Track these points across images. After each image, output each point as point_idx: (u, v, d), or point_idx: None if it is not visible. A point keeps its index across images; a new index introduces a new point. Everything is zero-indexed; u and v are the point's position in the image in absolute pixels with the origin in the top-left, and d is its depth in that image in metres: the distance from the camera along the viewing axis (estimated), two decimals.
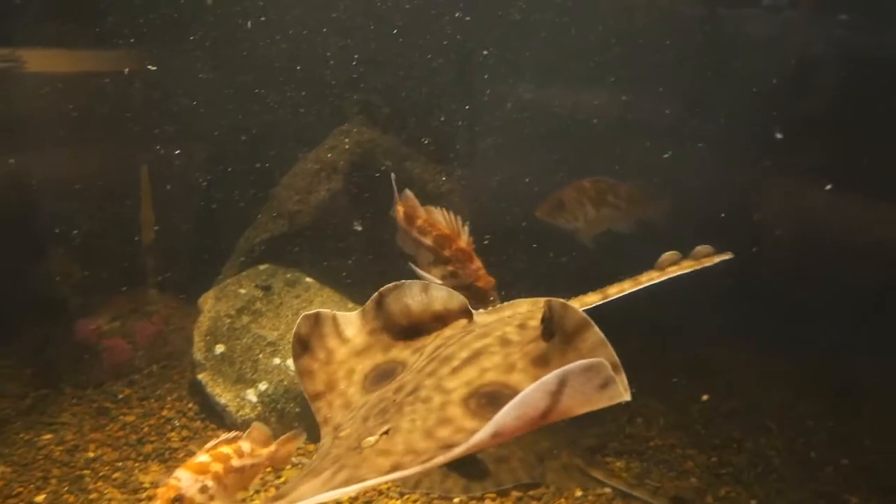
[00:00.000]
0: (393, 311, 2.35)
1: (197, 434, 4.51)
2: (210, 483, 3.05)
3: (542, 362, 1.86)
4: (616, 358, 1.68)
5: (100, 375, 5.08)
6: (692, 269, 2.53)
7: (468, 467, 4.12)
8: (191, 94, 5.78)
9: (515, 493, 4.09)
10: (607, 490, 4.22)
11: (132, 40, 5.55)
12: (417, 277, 3.76)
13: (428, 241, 3.69)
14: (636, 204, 5.57)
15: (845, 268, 5.44)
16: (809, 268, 5.55)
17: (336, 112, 5.97)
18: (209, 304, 5.08)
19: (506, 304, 2.42)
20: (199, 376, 4.68)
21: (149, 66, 5.56)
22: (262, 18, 5.66)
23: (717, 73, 5.96)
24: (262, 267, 5.51)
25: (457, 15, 5.79)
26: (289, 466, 3.74)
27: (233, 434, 3.24)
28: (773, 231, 5.98)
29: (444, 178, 6.11)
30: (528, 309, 2.27)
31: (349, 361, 2.26)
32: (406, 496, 4.00)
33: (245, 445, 3.09)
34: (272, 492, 3.74)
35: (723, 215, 5.48)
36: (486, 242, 3.85)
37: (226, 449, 3.20)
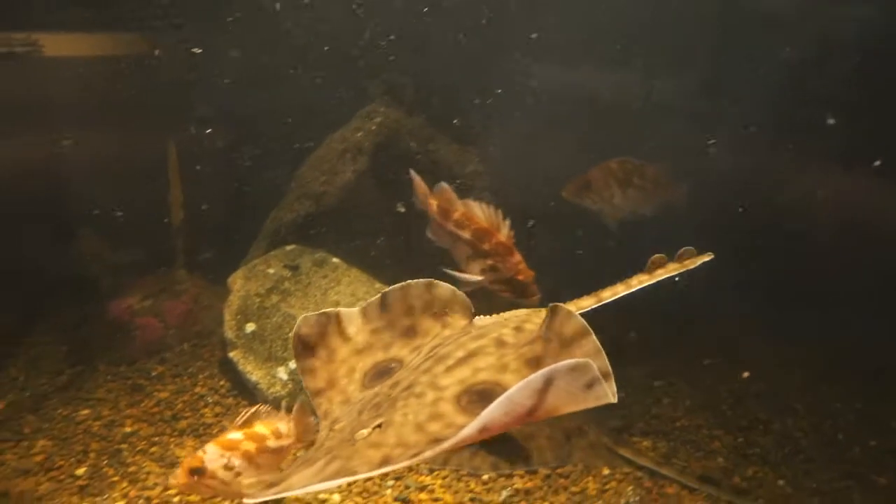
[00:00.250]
0: (396, 311, 2.40)
1: (230, 410, 4.60)
2: (237, 461, 3.09)
3: (535, 364, 1.90)
4: (608, 367, 1.73)
5: (133, 353, 5.18)
6: (678, 272, 2.56)
7: (497, 445, 4.17)
8: (218, 76, 5.81)
9: (543, 471, 4.14)
10: (634, 469, 4.25)
11: (159, 23, 5.60)
12: (450, 277, 3.76)
13: (466, 234, 3.69)
14: (661, 186, 5.55)
15: (874, 252, 5.39)
16: (838, 252, 5.51)
17: (362, 93, 5.98)
18: (239, 283, 5.14)
19: None
20: (231, 354, 4.76)
21: (192, 49, 5.59)
22: None
23: (743, 55, 5.90)
24: (289, 247, 5.56)
25: None
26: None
27: (264, 408, 3.29)
28: (800, 216, 5.94)
29: (469, 159, 6.11)
30: (526, 312, 2.32)
31: (350, 360, 2.31)
32: (436, 472, 4.05)
33: (283, 426, 3.11)
34: None
35: (740, 211, 5.45)
36: (531, 225, 3.86)
37: (263, 429, 3.24)
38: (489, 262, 3.52)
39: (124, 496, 3.75)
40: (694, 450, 4.55)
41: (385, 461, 1.67)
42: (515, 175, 6.20)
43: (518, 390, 1.57)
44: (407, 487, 3.90)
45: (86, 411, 4.56)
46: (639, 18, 6.06)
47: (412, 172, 4.10)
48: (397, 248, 5.69)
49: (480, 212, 3.57)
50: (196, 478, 3.12)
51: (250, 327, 4.83)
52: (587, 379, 1.59)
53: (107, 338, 5.24)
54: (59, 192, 5.34)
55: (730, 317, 5.68)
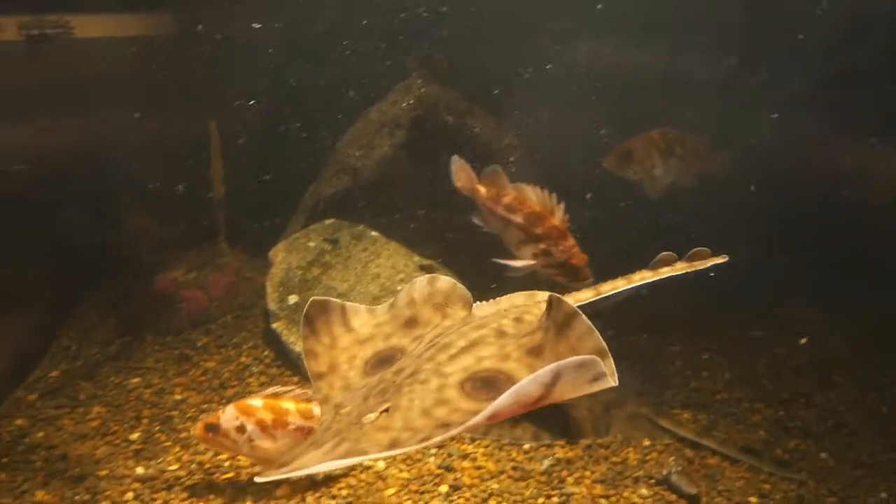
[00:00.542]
0: (399, 306, 2.50)
1: (274, 380, 4.71)
2: (250, 426, 3.24)
3: (535, 352, 1.99)
4: (603, 344, 1.81)
5: (178, 324, 5.32)
6: (684, 272, 2.59)
7: (539, 416, 4.22)
8: (256, 51, 5.85)
9: (584, 441, 4.18)
10: (675, 440, 4.27)
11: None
12: (503, 265, 3.77)
13: (518, 218, 3.68)
14: (701, 157, 5.49)
15: None
16: (881, 224, 5.40)
17: (399, 67, 5.98)
18: (280, 256, 5.23)
19: (503, 297, 2.51)
20: (274, 325, 4.86)
21: (214, 36, 5.65)
22: None
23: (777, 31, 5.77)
24: (327, 221, 5.63)
25: None
26: None
27: (300, 390, 3.38)
28: (843, 188, 5.82)
29: (505, 133, 6.09)
30: (524, 303, 2.39)
31: (352, 348, 2.40)
32: (477, 442, 4.12)
33: (317, 409, 3.19)
34: None
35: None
36: (588, 197, 3.84)
37: (289, 404, 3.33)
38: (541, 245, 3.52)
39: (178, 460, 3.88)
40: (734, 422, 4.54)
41: (393, 444, 1.76)
42: (551, 147, 6.16)
43: (528, 383, 1.66)
44: (449, 455, 3.97)
45: (136, 380, 4.71)
46: None
47: (455, 159, 4.10)
48: (435, 222, 5.72)
49: (533, 195, 3.56)
50: (211, 434, 3.29)
51: (293, 299, 4.92)
52: (593, 374, 1.69)
53: (153, 310, 5.38)
54: (107, 171, 5.45)
55: (770, 289, 5.61)
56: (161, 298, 5.42)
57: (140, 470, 3.79)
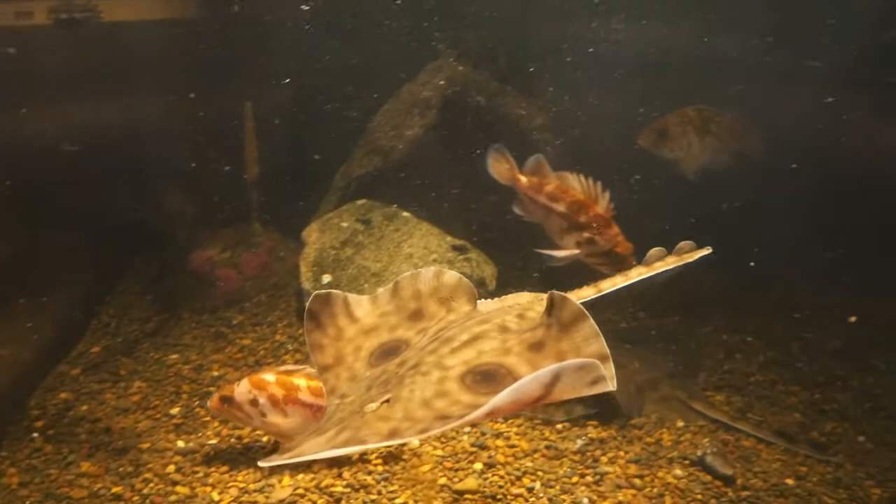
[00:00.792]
0: (404, 297, 2.50)
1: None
2: (263, 400, 3.34)
3: (537, 348, 1.99)
4: (606, 350, 1.81)
5: (214, 302, 5.41)
6: (676, 265, 2.58)
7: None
8: (289, 32, 5.87)
9: (617, 422, 4.18)
10: (709, 422, 4.25)
11: None
12: (546, 255, 3.75)
13: (561, 207, 3.65)
14: (736, 135, 5.39)
15: None
16: None
17: (429, 47, 5.95)
18: (314, 236, 5.28)
19: (509, 295, 2.52)
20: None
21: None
22: None
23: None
24: (359, 202, 5.66)
25: None
26: None
27: (301, 367, 3.44)
28: (871, 170, 5.69)
29: (536, 113, 6.04)
30: (528, 300, 2.39)
31: (357, 339, 2.41)
32: (510, 421, 4.14)
33: None
34: None
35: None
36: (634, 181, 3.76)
37: (300, 381, 3.38)
38: (585, 234, 3.50)
39: (217, 434, 3.97)
40: (769, 405, 4.51)
41: (393, 433, 1.79)
42: (581, 128, 6.10)
43: (528, 382, 1.67)
44: (483, 434, 4.00)
45: (175, 356, 4.81)
46: None
47: (492, 150, 4.07)
48: (467, 202, 5.72)
49: (577, 183, 3.53)
50: (226, 406, 3.39)
51: (327, 278, 4.97)
52: (592, 377, 1.69)
53: (189, 288, 5.48)
54: (143, 152, 5.53)
55: (805, 272, 5.53)
56: (197, 277, 5.51)
57: (181, 443, 3.89)
